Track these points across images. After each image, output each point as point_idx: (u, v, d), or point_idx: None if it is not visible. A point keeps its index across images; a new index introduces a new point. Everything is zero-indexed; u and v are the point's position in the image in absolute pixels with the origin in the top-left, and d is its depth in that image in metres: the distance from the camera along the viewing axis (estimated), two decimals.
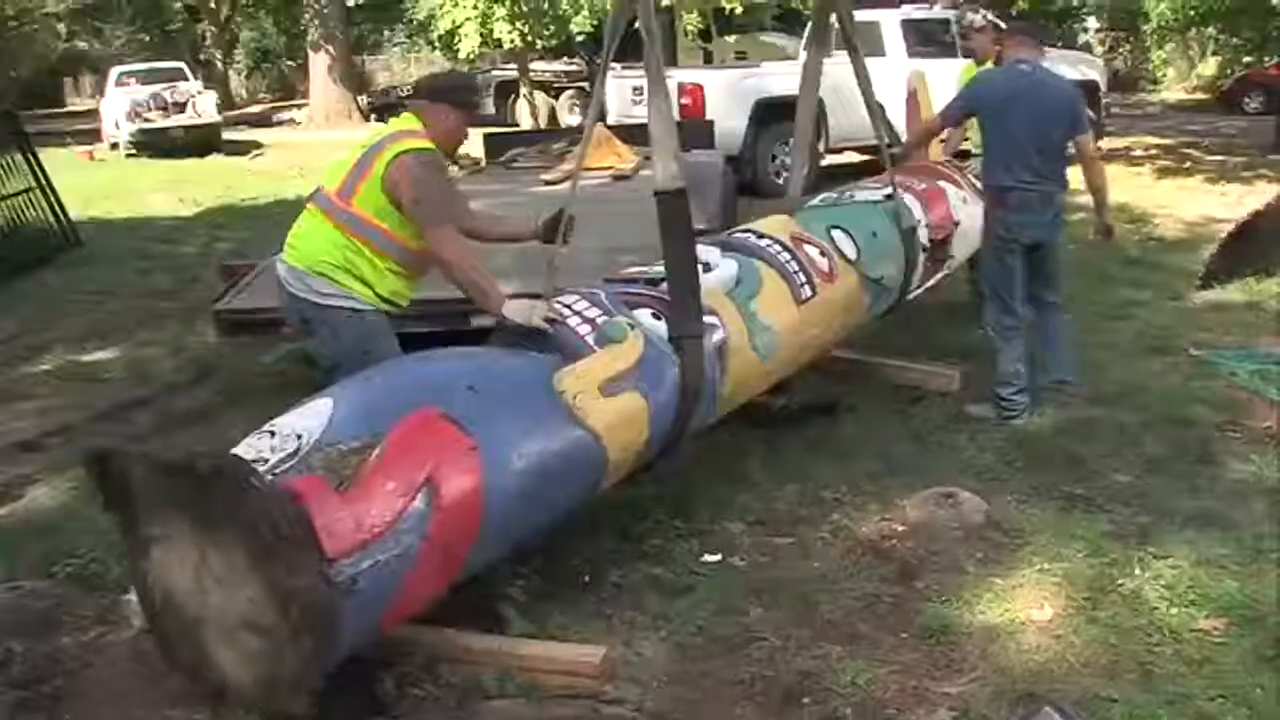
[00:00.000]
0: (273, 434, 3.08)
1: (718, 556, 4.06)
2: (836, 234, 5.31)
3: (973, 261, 7.14)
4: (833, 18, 6.07)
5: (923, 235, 5.80)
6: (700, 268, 4.22)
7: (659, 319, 4.03)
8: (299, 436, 3.03)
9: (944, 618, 3.62)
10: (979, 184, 6.70)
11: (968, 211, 6.27)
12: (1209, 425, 5.16)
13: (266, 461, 2.93)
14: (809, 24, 14.67)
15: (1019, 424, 5.19)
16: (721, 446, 4.98)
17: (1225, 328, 6.70)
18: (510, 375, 3.62)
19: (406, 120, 4.03)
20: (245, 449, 3.03)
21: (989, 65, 6.59)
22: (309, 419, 3.13)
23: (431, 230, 3.84)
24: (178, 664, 3.09)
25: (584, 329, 3.84)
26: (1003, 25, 6.82)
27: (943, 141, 6.97)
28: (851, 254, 5.26)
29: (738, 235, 5.15)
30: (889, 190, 5.76)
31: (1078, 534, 4.12)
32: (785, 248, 4.93)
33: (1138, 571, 3.84)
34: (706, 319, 4.11)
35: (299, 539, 2.69)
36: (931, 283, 6.21)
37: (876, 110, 5.91)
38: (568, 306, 3.95)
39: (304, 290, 3.96)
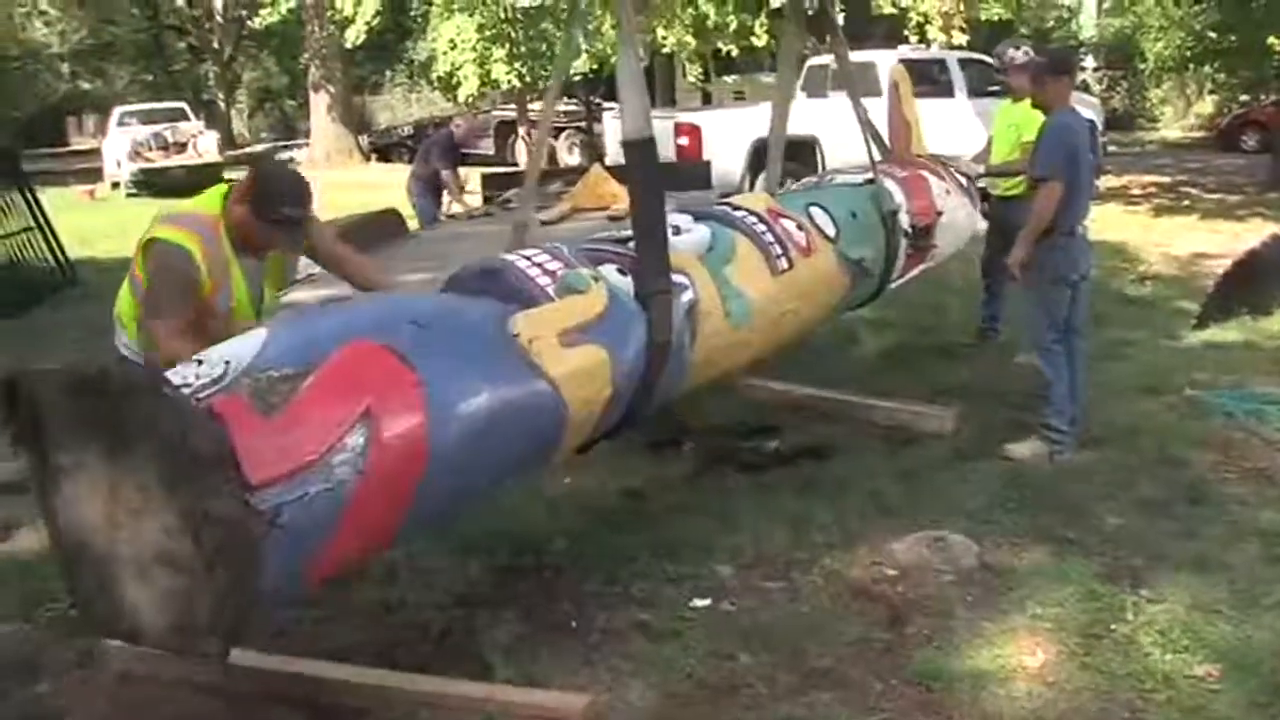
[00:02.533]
0: (200, 362, 2.88)
1: (707, 601, 4.00)
2: (815, 211, 5.30)
3: (988, 292, 7.18)
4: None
5: (904, 221, 5.80)
6: (670, 231, 4.14)
7: (625, 275, 3.93)
8: (227, 363, 2.83)
9: (934, 664, 3.56)
10: (963, 179, 6.75)
11: (950, 204, 6.30)
12: (1204, 466, 5.12)
13: (190, 387, 2.72)
14: (805, 64, 14.78)
15: (1012, 465, 5.16)
16: (712, 488, 4.97)
17: (1222, 367, 6.65)
18: (461, 315, 3.44)
19: (207, 197, 3.76)
20: (171, 377, 2.80)
21: (1025, 103, 6.60)
22: (239, 346, 2.93)
23: (146, 321, 3.63)
24: (89, 613, 2.89)
25: (544, 280, 3.72)
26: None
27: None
28: (830, 232, 5.24)
29: (712, 207, 5.13)
30: (869, 175, 5.78)
31: (1070, 577, 4.07)
32: (761, 219, 4.89)
33: (1130, 616, 3.79)
34: (676, 279, 4.01)
35: (216, 459, 2.50)
36: (915, 273, 6.22)
37: (862, 112, 6.04)
38: (528, 259, 3.84)
39: (116, 340, 3.89)
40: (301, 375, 2.79)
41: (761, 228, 4.81)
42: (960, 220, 6.58)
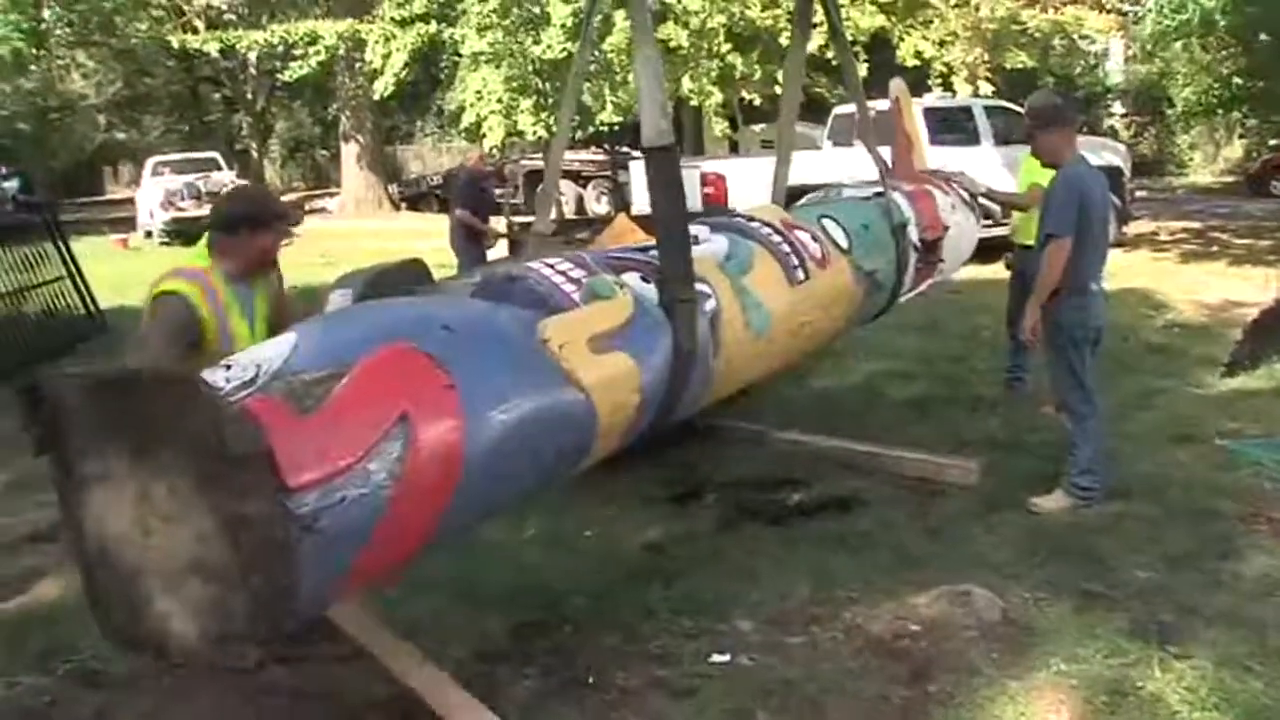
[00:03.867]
0: (228, 367, 2.81)
1: (726, 657, 3.95)
2: (827, 223, 5.30)
3: (1014, 342, 7.13)
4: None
5: (913, 234, 5.80)
6: None
7: (648, 282, 3.89)
8: (257, 366, 2.76)
9: None
10: (966, 195, 6.77)
11: (956, 219, 6.32)
12: (1233, 518, 5.04)
13: (220, 391, 2.63)
14: (831, 114, 14.82)
15: (1038, 517, 5.09)
16: (735, 541, 4.93)
17: (1252, 416, 6.57)
18: (489, 320, 3.38)
19: (194, 254, 3.97)
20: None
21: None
22: (268, 350, 2.87)
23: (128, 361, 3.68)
24: (114, 632, 2.76)
25: (569, 287, 3.68)
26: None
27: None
28: (844, 243, 5.23)
29: (726, 218, 5.13)
30: (879, 188, 5.79)
31: (1096, 632, 4.00)
32: (776, 231, 4.86)
33: (1158, 673, 3.72)
34: (699, 287, 3.98)
35: (253, 459, 2.40)
36: (923, 288, 6.23)
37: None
38: (551, 266, 3.81)
39: None
40: (335, 378, 2.72)
41: (777, 239, 4.81)
42: (965, 235, 6.61)
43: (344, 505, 2.58)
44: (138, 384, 2.55)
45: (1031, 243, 6.52)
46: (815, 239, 5.04)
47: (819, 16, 6.41)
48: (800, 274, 4.74)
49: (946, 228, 6.18)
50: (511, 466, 3.11)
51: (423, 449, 2.76)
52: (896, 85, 7.55)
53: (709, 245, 4.45)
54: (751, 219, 5.01)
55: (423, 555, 3.11)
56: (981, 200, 6.96)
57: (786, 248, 4.79)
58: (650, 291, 3.87)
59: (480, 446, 2.93)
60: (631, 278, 3.92)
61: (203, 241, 3.95)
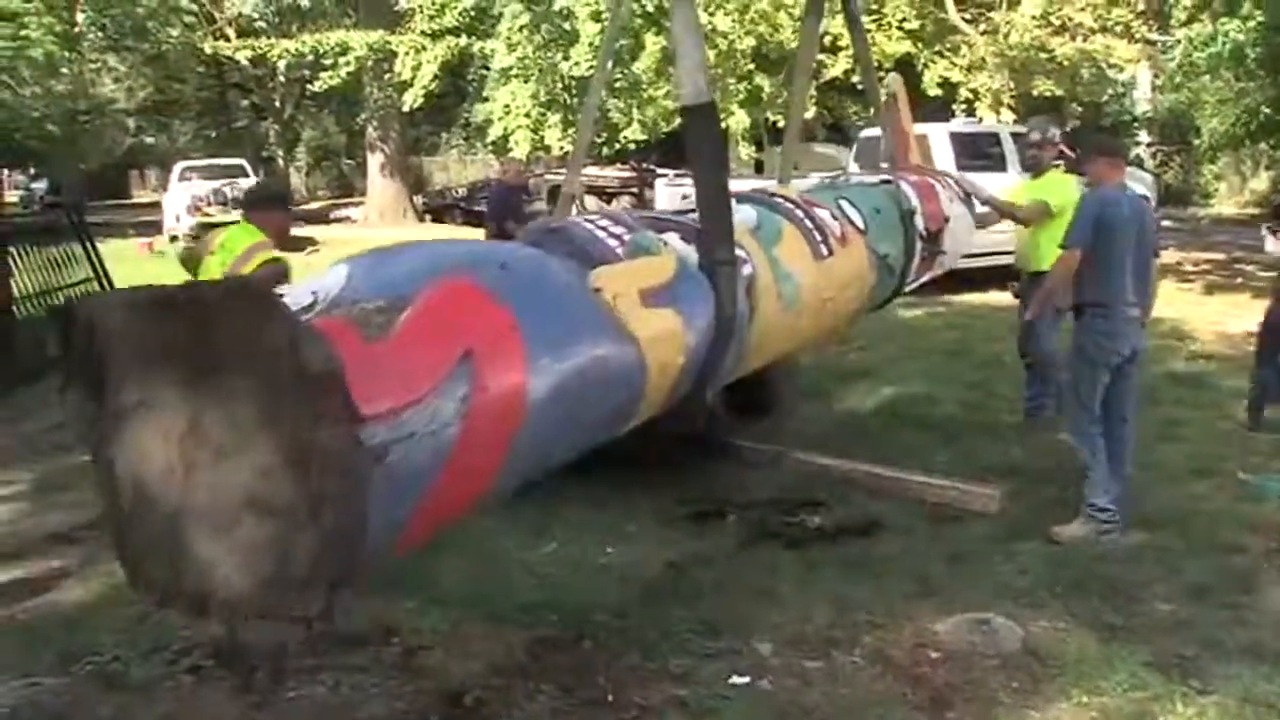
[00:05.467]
0: (282, 295, 2.61)
1: (746, 679, 3.94)
2: (844, 204, 5.36)
3: (1029, 371, 7.10)
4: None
5: (919, 223, 5.88)
6: None
7: (688, 243, 3.86)
8: (314, 293, 2.60)
9: None
10: (961, 191, 6.86)
11: (955, 211, 6.43)
12: (1257, 552, 5.01)
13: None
14: (857, 137, 14.85)
15: (1060, 546, 5.07)
16: (755, 563, 4.92)
17: (1275, 450, 6.54)
18: (544, 264, 3.26)
19: (250, 232, 4.44)
20: None
21: (1052, 176, 6.62)
22: (324, 279, 2.71)
23: None
24: (145, 583, 2.45)
25: (612, 242, 3.66)
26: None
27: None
28: (860, 224, 5.28)
29: (750, 192, 5.17)
30: (886, 176, 5.87)
31: (1117, 665, 3.97)
32: (799, 206, 4.90)
33: (1180, 707, 3.69)
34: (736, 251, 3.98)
35: (329, 379, 2.16)
36: (924, 279, 6.29)
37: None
38: (592, 222, 3.80)
39: None
40: (396, 309, 2.56)
41: (800, 214, 4.83)
42: (962, 229, 6.71)
43: (413, 441, 2.39)
44: (200, 302, 2.28)
45: (1038, 270, 6.56)
46: (834, 217, 5.10)
47: (845, 40, 6.52)
48: (824, 249, 4.77)
49: (947, 218, 6.27)
50: (566, 418, 3.00)
51: (488, 388, 2.62)
52: (894, 80, 7.58)
53: (737, 214, 4.44)
54: (774, 195, 5.04)
55: (442, 552, 3.09)
56: (981, 209, 7.00)
57: (810, 224, 4.82)
58: (691, 253, 3.83)
59: (539, 393, 2.80)
60: (671, 238, 3.89)
61: (242, 227, 4.47)
